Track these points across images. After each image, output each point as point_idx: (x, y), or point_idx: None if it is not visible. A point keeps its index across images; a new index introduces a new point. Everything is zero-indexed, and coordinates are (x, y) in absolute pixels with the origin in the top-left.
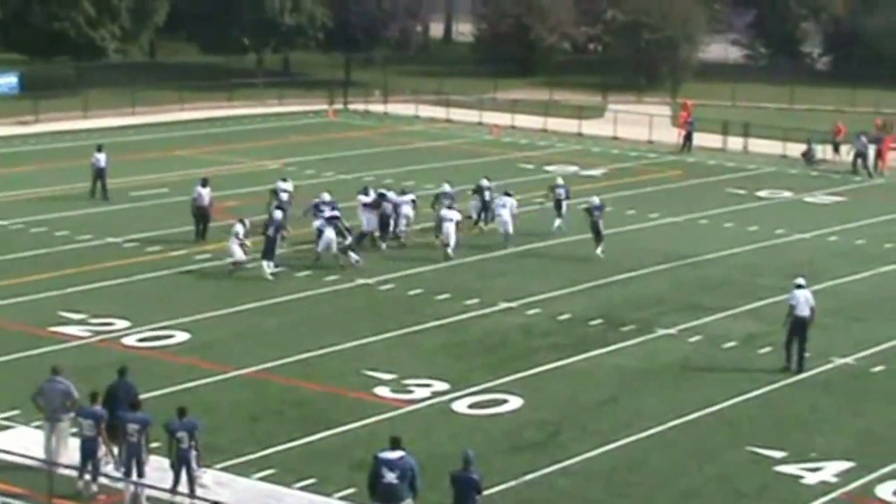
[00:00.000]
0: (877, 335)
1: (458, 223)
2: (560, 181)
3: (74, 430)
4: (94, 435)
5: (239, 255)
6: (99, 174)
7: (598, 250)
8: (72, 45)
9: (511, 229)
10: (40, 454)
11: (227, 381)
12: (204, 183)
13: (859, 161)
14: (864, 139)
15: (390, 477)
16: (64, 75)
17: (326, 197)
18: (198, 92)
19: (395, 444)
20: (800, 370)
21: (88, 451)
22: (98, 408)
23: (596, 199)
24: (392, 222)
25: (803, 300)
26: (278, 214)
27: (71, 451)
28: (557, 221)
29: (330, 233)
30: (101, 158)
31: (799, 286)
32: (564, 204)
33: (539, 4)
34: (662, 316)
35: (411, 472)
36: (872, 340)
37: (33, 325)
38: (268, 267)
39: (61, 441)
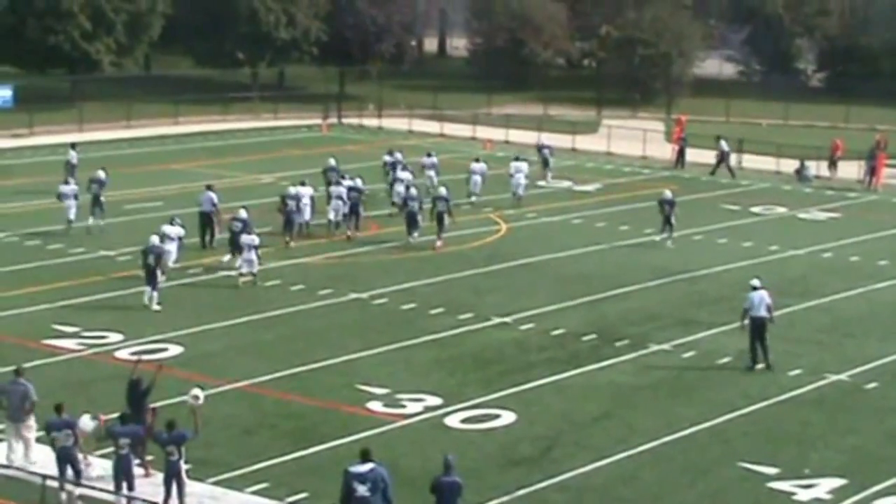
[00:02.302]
0: (870, 352)
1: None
2: (545, 140)
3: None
4: (71, 444)
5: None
6: (71, 171)
7: (668, 242)
8: (67, 58)
9: (523, 192)
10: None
11: (221, 394)
12: (208, 188)
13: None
14: (723, 143)
15: (362, 490)
16: (59, 88)
17: (243, 214)
18: (193, 105)
19: (364, 457)
20: (767, 365)
21: (66, 459)
22: (68, 417)
23: (668, 193)
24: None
25: (758, 301)
26: (154, 240)
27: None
28: (549, 176)
29: (172, 246)
30: (74, 156)
31: (755, 287)
32: (551, 161)
33: (533, 20)
34: (656, 331)
35: (383, 483)
36: (866, 357)
37: (26, 338)
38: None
39: (30, 445)
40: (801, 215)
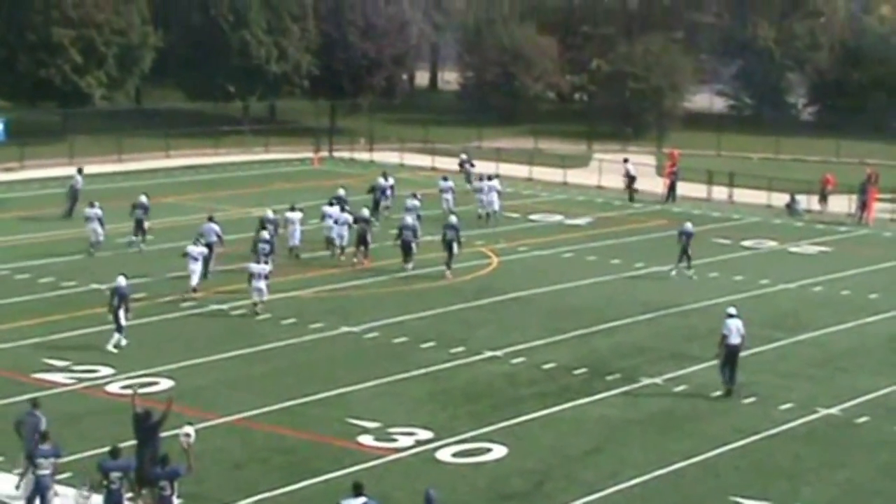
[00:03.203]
0: (861, 386)
1: (498, 192)
2: (464, 160)
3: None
4: (49, 473)
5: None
6: (74, 195)
7: (690, 272)
8: (58, 91)
9: (497, 208)
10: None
11: (212, 428)
12: (210, 219)
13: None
14: (630, 167)
15: None
16: (50, 122)
17: (266, 235)
18: (184, 139)
19: (357, 491)
20: (731, 387)
21: (42, 488)
22: (51, 446)
23: (688, 225)
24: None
25: (735, 329)
26: (121, 280)
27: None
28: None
29: (196, 266)
30: (80, 180)
31: (730, 315)
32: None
33: (524, 54)
34: (647, 365)
35: None
36: (857, 391)
37: (17, 372)
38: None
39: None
40: (792, 249)
